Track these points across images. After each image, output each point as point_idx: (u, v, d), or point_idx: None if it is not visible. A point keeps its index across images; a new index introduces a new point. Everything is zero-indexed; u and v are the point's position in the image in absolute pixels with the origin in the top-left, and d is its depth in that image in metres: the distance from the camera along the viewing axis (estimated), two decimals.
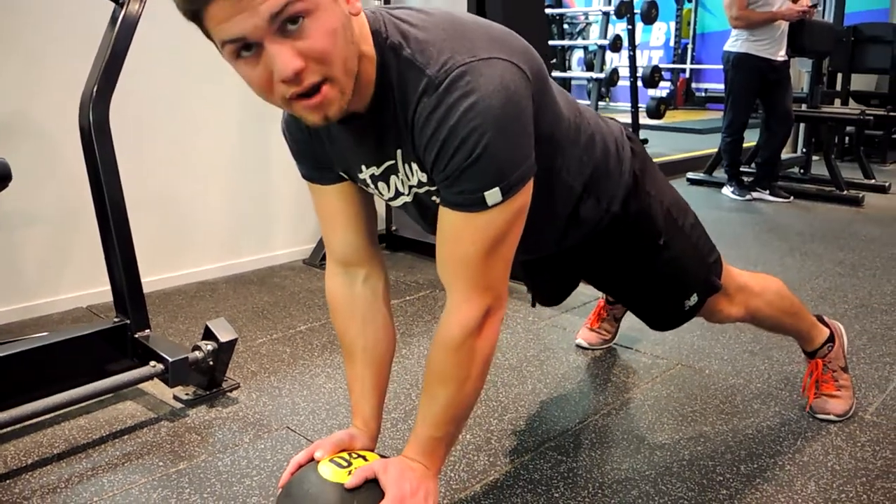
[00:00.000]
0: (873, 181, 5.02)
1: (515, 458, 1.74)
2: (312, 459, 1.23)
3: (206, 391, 2.00)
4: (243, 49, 0.93)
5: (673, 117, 8.97)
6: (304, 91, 0.96)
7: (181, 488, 1.60)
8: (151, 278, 2.80)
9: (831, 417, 1.88)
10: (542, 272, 1.74)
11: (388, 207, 3.35)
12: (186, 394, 1.98)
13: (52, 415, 1.83)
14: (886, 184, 4.99)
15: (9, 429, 1.73)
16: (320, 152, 1.22)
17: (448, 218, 1.12)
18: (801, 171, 5.38)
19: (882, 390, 2.06)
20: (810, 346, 1.90)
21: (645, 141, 6.69)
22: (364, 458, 1.22)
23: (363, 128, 1.13)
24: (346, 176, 1.26)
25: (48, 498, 1.55)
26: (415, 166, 1.14)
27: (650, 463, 1.71)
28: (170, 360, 1.85)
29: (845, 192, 4.69)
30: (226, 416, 1.91)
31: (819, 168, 5.20)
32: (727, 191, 4.89)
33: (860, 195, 4.64)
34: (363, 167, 1.20)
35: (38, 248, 2.57)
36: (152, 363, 1.87)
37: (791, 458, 1.73)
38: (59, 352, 1.86)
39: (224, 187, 3.07)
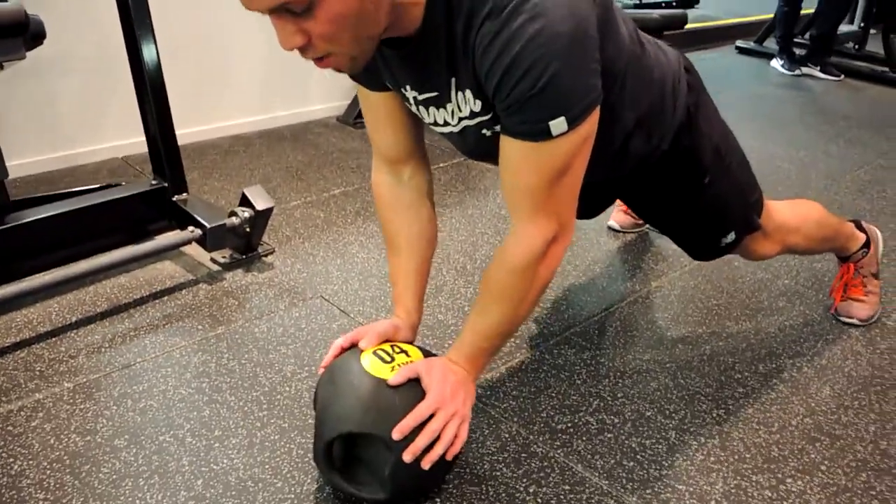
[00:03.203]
0: None
1: (541, 342, 1.79)
2: (355, 346, 1.28)
3: (243, 255, 2.04)
4: None
5: None
6: (310, 58, 1.00)
7: (220, 353, 1.67)
8: (185, 131, 2.79)
9: (854, 322, 1.90)
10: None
11: None
12: (223, 257, 2.03)
13: None
14: None
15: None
16: (370, 62, 1.19)
17: (511, 147, 1.09)
18: (857, 46, 5.13)
19: None
20: (845, 253, 1.89)
21: (696, 0, 6.39)
22: (406, 352, 1.26)
23: (411, 54, 1.10)
24: (393, 87, 1.24)
25: (93, 357, 1.64)
26: (469, 94, 1.10)
27: (671, 355, 1.76)
28: (208, 226, 1.89)
29: None
30: (261, 282, 1.96)
31: (875, 44, 4.95)
32: (776, 63, 4.69)
33: None
34: (407, 86, 1.18)
35: (75, 97, 2.56)
36: (190, 228, 1.90)
37: (810, 360, 1.77)
38: (97, 212, 1.89)
39: (259, 39, 2.99)
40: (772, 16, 4.88)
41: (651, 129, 1.35)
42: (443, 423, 1.19)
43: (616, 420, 1.53)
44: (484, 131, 1.16)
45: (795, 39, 4.70)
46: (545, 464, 1.41)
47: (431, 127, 1.25)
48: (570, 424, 1.52)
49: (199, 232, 1.90)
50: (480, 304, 1.26)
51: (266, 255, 2.08)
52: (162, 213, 2.00)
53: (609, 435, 1.49)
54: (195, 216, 1.92)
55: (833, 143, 3.37)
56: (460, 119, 1.16)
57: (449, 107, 1.15)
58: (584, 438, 1.48)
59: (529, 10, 0.96)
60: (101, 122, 2.64)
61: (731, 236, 1.56)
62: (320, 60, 1.00)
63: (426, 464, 1.18)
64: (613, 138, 1.29)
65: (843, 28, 5.08)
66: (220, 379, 1.59)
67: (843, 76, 4.57)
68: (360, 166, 2.77)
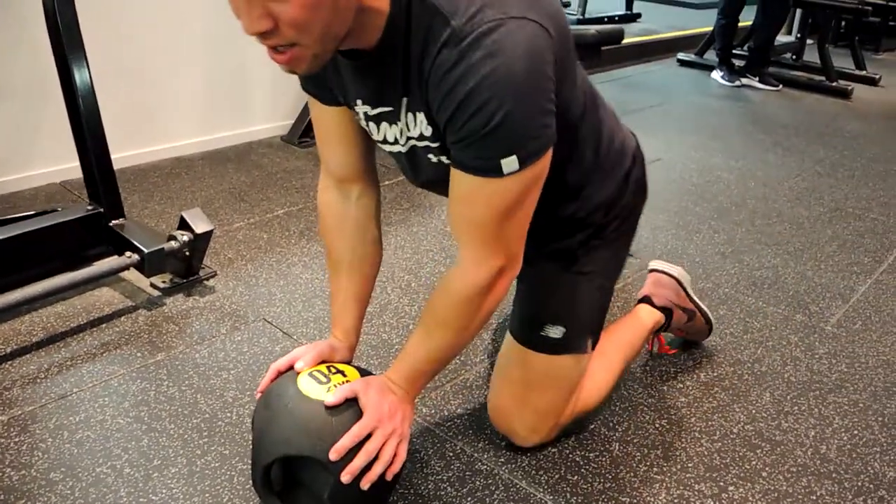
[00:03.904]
0: (864, 72, 4.97)
1: (486, 358, 1.79)
2: (292, 368, 1.27)
3: (183, 279, 2.01)
4: None
5: None
6: (272, 46, 0.95)
7: (160, 380, 1.64)
8: (126, 153, 2.75)
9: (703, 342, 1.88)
10: None
11: None
12: (163, 281, 1.99)
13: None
14: (877, 76, 4.95)
15: None
16: (322, 73, 1.16)
17: (462, 180, 1.08)
18: (794, 57, 5.27)
19: (846, 301, 2.11)
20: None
21: (638, 15, 6.52)
22: (343, 373, 1.25)
23: (367, 67, 1.08)
24: (343, 102, 1.23)
25: (28, 388, 1.59)
26: (420, 117, 1.09)
27: None
28: (145, 251, 1.85)
29: (835, 84, 4.63)
30: (203, 306, 1.93)
31: (812, 54, 5.10)
32: (716, 75, 4.80)
33: (849, 87, 4.59)
34: (359, 101, 1.16)
35: (10, 122, 2.50)
36: (128, 253, 1.87)
37: (750, 367, 1.80)
38: (31, 239, 1.84)
39: (200, 58, 2.96)
40: (711, 28, 5.00)
41: (583, 192, 1.34)
42: (380, 442, 1.18)
43: (559, 434, 1.54)
44: (430, 156, 1.15)
45: (734, 51, 4.82)
46: (489, 481, 1.40)
47: (380, 145, 1.24)
48: None
49: (136, 257, 1.87)
50: (423, 326, 1.25)
51: (208, 279, 2.05)
52: (99, 239, 1.96)
53: (553, 449, 1.50)
54: (132, 241, 1.88)
55: (771, 151, 3.46)
56: (408, 139, 1.16)
57: (399, 125, 1.14)
58: (528, 454, 1.48)
59: (489, 45, 0.95)
60: (38, 146, 2.58)
61: (558, 331, 1.39)
62: (281, 53, 0.96)
63: (365, 484, 1.17)
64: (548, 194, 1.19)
65: (781, 39, 5.22)
66: (159, 407, 1.56)
67: (781, 86, 4.69)
68: (305, 186, 2.75)
